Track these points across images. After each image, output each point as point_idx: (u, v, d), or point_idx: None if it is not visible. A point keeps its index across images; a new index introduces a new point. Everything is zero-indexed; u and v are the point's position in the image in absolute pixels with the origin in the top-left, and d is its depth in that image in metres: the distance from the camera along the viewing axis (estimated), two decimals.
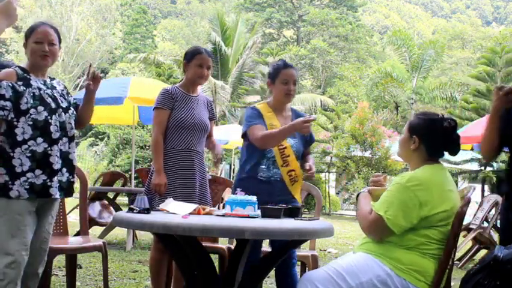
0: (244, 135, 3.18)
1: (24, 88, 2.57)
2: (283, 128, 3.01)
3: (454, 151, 2.45)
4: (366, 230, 2.39)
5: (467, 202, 2.40)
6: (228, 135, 12.77)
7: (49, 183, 2.60)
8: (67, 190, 2.73)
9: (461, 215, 2.39)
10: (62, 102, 2.73)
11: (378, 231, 2.32)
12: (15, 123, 2.54)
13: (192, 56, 3.35)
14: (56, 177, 2.63)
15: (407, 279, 2.27)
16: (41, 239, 2.71)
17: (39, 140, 2.57)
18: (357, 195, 2.56)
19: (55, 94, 2.72)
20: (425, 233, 2.31)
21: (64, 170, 2.69)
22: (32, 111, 2.56)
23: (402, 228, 2.28)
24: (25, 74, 2.63)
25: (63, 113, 2.71)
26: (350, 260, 2.37)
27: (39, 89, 2.64)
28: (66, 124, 2.71)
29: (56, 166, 2.62)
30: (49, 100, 2.65)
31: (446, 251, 2.37)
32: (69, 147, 2.72)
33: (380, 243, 2.36)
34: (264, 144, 3.08)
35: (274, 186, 3.12)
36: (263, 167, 3.14)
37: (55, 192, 2.62)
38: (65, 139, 2.69)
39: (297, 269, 3.65)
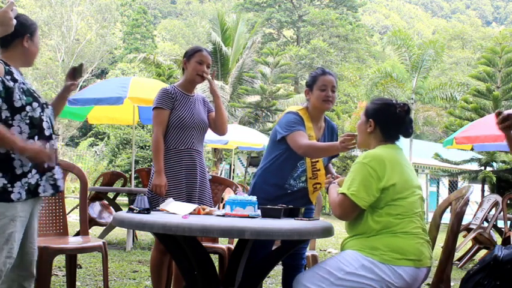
0: (281, 140, 3.09)
1: (13, 83, 2.39)
2: (329, 146, 2.97)
3: (407, 133, 2.58)
4: (336, 213, 2.47)
5: (466, 202, 2.40)
6: (228, 135, 12.77)
7: (39, 182, 2.47)
8: (56, 187, 2.57)
9: (460, 215, 2.40)
10: (40, 97, 2.56)
11: (345, 209, 2.41)
12: (10, 121, 2.36)
13: (192, 53, 3.36)
14: (45, 175, 2.50)
15: (390, 263, 2.32)
16: (31, 240, 2.59)
17: (36, 138, 2.43)
18: (327, 188, 2.64)
19: (33, 88, 2.55)
20: (386, 211, 2.38)
21: (56, 168, 2.56)
22: (28, 108, 2.40)
23: (367, 202, 2.36)
24: (7, 67, 2.43)
25: (46, 109, 2.56)
26: (334, 257, 2.45)
27: (24, 83, 2.46)
28: (51, 120, 2.59)
29: (47, 165, 2.48)
30: (36, 95, 2.50)
31: (445, 250, 2.38)
32: (55, 144, 2.58)
33: (357, 238, 2.42)
34: (305, 153, 3.03)
35: (296, 195, 3.14)
36: (291, 181, 3.13)
37: (42, 191, 2.49)
38: (54, 136, 2.56)
39: None
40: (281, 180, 3.11)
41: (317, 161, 3.13)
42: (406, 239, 2.36)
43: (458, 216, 2.38)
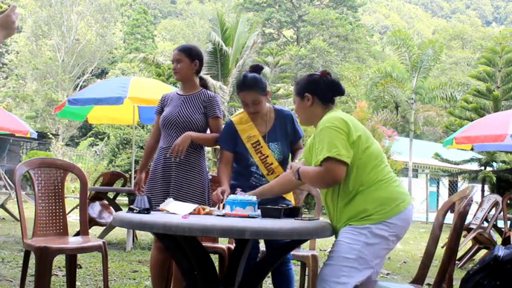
0: None
1: None
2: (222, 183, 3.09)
3: (341, 90, 2.73)
4: (324, 182, 2.47)
5: (470, 202, 2.40)
6: None
7: None
8: None
9: (463, 214, 2.39)
10: None
11: (334, 172, 2.38)
12: None
13: None
14: None
15: (381, 219, 2.35)
16: None
17: None
18: (298, 175, 2.60)
19: None
20: (363, 163, 2.42)
21: None
22: None
23: (349, 157, 2.39)
24: None
25: None
26: (339, 243, 2.43)
27: None
28: None
29: None
30: None
31: (448, 250, 2.37)
32: None
33: (345, 211, 2.44)
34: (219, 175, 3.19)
35: None
36: (253, 177, 3.16)
37: None
38: None
39: (297, 268, 3.65)
40: (245, 183, 3.09)
41: (266, 156, 3.13)
42: (386, 187, 2.42)
43: (462, 215, 2.38)
